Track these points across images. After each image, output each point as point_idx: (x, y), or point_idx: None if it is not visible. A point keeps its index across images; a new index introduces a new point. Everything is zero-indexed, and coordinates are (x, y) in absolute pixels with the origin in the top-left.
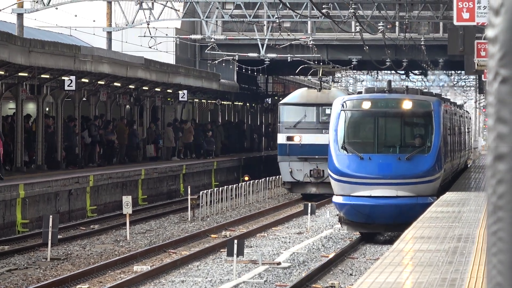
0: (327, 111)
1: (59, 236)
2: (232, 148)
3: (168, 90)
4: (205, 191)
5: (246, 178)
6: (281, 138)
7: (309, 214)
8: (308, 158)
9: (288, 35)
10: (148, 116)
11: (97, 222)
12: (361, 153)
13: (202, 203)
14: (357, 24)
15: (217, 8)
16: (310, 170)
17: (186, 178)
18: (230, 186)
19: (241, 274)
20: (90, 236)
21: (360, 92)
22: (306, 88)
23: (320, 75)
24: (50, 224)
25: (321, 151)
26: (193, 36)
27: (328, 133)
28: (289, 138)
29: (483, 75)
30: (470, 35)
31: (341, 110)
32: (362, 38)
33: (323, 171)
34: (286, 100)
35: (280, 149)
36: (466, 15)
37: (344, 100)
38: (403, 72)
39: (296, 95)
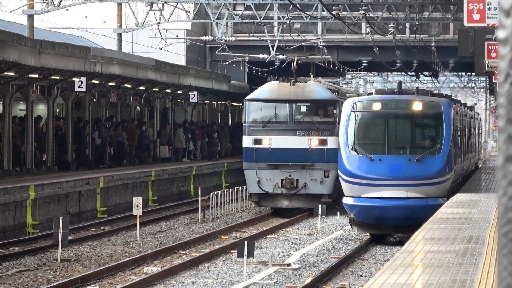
0: (302, 109)
1: (69, 238)
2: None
3: (179, 92)
4: (215, 192)
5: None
6: (246, 141)
7: (319, 216)
8: (279, 165)
9: (299, 36)
10: (159, 118)
11: (107, 223)
12: (371, 154)
13: (212, 204)
14: (368, 25)
15: (228, 9)
16: (282, 180)
17: (197, 179)
18: (240, 187)
19: (251, 275)
20: (100, 238)
21: (370, 94)
22: (278, 81)
23: (294, 65)
24: (61, 225)
25: (295, 156)
26: (203, 38)
27: (302, 135)
28: (257, 141)
29: (493, 77)
30: (481, 36)
31: (351, 111)
32: (372, 39)
33: (297, 181)
34: (253, 95)
35: (245, 155)
36: (476, 17)
37: (354, 102)
38: (413, 73)
39: (265, 89)
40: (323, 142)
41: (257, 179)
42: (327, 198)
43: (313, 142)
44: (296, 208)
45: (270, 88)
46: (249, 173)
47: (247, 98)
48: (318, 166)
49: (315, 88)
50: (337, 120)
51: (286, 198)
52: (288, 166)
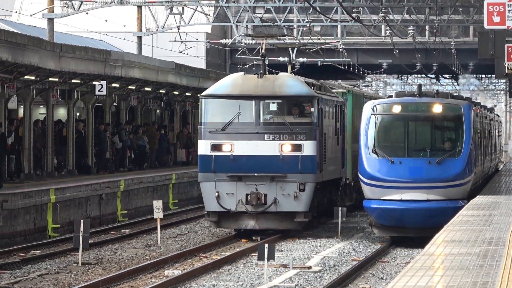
0: (272, 107)
1: (90, 241)
2: None
3: (199, 95)
4: None
5: None
6: (203, 147)
7: (339, 218)
8: (244, 177)
9: (318, 39)
10: (179, 121)
11: (128, 226)
12: (391, 157)
13: None
14: (387, 28)
15: (247, 11)
16: (247, 195)
17: None
18: None
19: (272, 278)
20: (121, 241)
21: (390, 96)
22: (242, 73)
23: (263, 51)
24: (81, 229)
25: (263, 166)
26: (223, 41)
27: (271, 139)
28: (215, 147)
29: None
30: (501, 38)
31: (371, 114)
32: (392, 42)
33: (265, 196)
34: (211, 90)
35: (201, 164)
36: (496, 19)
37: (375, 104)
38: (433, 75)
39: (226, 83)
40: (298, 147)
41: (216, 194)
42: (302, 217)
43: (285, 147)
44: (264, 230)
45: (232, 81)
46: (206, 187)
47: (203, 93)
48: (292, 177)
49: (288, 81)
50: (316, 120)
51: (252, 217)
52: (255, 178)
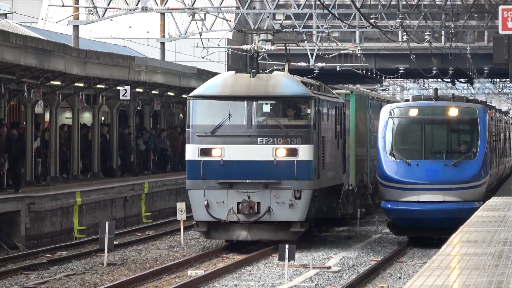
0: (265, 108)
1: (115, 242)
2: None
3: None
4: None
5: None
6: (191, 152)
7: (358, 219)
8: (235, 184)
9: (337, 44)
10: None
11: (152, 228)
12: (408, 159)
13: None
14: (404, 33)
15: (268, 17)
16: (238, 203)
17: None
18: None
19: (292, 278)
20: (145, 242)
21: (407, 100)
22: (233, 72)
23: (257, 46)
24: (107, 230)
25: (255, 172)
26: (244, 46)
27: (265, 143)
28: (204, 152)
29: None
30: None
31: (389, 117)
32: (409, 47)
33: (258, 204)
34: (199, 90)
35: (189, 170)
36: (511, 24)
37: (392, 108)
38: (449, 80)
39: (216, 83)
40: (293, 152)
41: (205, 202)
42: (298, 226)
43: (280, 152)
44: (258, 241)
45: (222, 81)
46: (195, 195)
47: (191, 94)
48: (287, 184)
49: (283, 80)
50: (312, 122)
51: (244, 227)
52: (247, 185)
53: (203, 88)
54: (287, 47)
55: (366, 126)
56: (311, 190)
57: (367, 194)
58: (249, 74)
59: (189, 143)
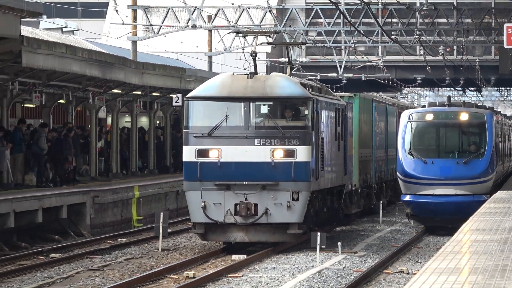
0: (263, 109)
1: (168, 230)
2: None
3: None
4: None
5: None
6: (188, 153)
7: (380, 211)
8: (232, 185)
9: (362, 57)
10: None
11: None
12: (425, 158)
13: None
14: (421, 48)
15: (302, 34)
16: (236, 205)
17: None
18: None
19: (323, 261)
20: None
21: (423, 106)
22: (231, 73)
23: (255, 46)
24: (161, 220)
25: (253, 173)
26: (281, 59)
27: (262, 144)
28: (201, 153)
29: None
30: None
31: (408, 121)
32: (425, 59)
33: (255, 205)
34: (196, 91)
35: (186, 171)
36: None
37: (410, 113)
38: (460, 88)
39: (213, 84)
40: (291, 153)
41: (203, 204)
42: (296, 228)
43: (277, 153)
44: (255, 243)
45: (220, 82)
46: (192, 196)
47: (188, 95)
48: (284, 185)
49: (281, 81)
50: (310, 124)
51: (242, 229)
52: (244, 187)
53: (201, 89)
54: (289, 50)
55: (370, 128)
56: (309, 191)
57: (371, 194)
58: (246, 75)
59: (186, 144)
